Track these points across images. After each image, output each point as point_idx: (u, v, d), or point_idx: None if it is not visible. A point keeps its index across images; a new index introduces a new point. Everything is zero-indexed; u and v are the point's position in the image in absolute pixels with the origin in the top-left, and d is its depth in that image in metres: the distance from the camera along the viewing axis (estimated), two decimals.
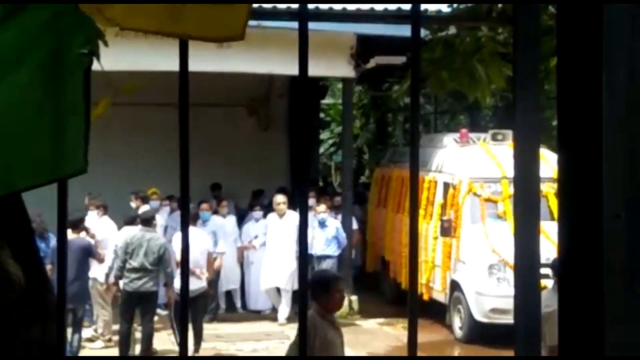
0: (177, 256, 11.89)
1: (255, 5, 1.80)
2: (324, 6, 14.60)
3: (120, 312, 11.82)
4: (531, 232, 2.01)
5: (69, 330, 11.58)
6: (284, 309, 14.26)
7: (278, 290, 14.44)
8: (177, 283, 11.77)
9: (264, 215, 15.04)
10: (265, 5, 13.29)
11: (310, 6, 14.01)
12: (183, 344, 2.00)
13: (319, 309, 6.09)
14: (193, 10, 1.77)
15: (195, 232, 11.93)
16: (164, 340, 12.66)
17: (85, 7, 1.76)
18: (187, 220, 2.06)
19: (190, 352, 11.75)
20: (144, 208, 13.72)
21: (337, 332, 6.22)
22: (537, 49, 1.92)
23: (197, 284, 11.58)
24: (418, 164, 1.96)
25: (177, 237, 12.26)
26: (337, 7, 14.85)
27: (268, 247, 14.37)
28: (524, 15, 1.84)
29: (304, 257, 1.95)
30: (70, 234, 11.05)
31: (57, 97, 1.77)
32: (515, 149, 1.97)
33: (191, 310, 11.89)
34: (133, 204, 14.39)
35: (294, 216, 14.19)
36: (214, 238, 13.97)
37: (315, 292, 6.10)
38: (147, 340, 11.75)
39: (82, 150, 1.79)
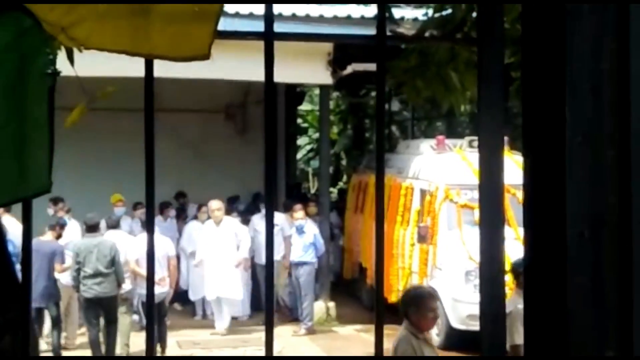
0: (131, 263, 12.08)
1: (220, 24, 1.80)
2: (301, 12, 14.65)
3: (85, 319, 11.95)
4: (495, 239, 2.03)
5: (48, 328, 11.96)
6: (226, 317, 14.14)
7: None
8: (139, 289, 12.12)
9: (242, 221, 15.03)
10: (241, 10, 13.31)
11: (287, 11, 14.03)
12: (149, 348, 2.00)
13: (412, 328, 5.75)
14: (158, 30, 1.77)
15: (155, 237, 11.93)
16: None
17: (48, 27, 1.75)
18: (153, 225, 2.07)
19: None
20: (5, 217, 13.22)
21: (433, 350, 5.93)
22: (500, 63, 1.94)
23: (159, 289, 11.75)
24: (384, 173, 1.98)
25: (133, 243, 12.36)
26: (314, 13, 14.91)
27: (207, 256, 14.11)
28: (488, 30, 1.85)
29: (270, 263, 1.96)
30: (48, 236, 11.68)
31: (20, 117, 1.77)
32: (480, 157, 2.00)
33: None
34: (50, 211, 13.85)
35: (231, 223, 14.17)
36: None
37: (407, 310, 5.77)
38: (113, 344, 11.87)
39: (46, 170, 1.79)
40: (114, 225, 12.45)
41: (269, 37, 1.73)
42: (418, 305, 5.82)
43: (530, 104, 1.82)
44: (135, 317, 12.86)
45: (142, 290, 12.05)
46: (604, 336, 1.70)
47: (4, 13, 1.76)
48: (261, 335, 13.48)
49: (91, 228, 11.98)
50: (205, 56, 1.78)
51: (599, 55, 1.68)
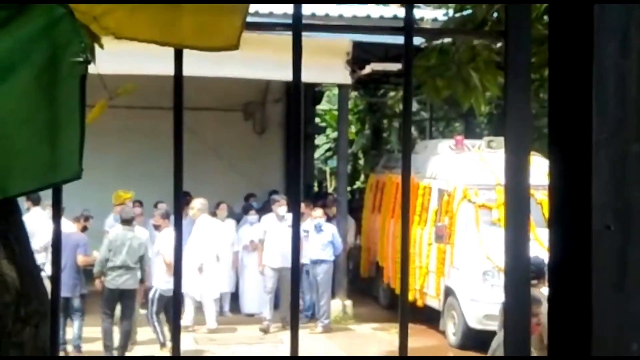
0: (166, 256, 12.06)
1: (250, 15, 1.81)
2: (320, 11, 14.67)
3: (102, 308, 12.12)
4: (521, 239, 2.03)
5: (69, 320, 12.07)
6: (209, 314, 14.07)
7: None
8: (157, 282, 12.28)
9: (259, 219, 15.04)
10: (262, 12, 13.36)
11: (306, 12, 14.09)
12: (176, 345, 2.02)
13: None
14: (188, 20, 1.79)
15: (171, 233, 12.13)
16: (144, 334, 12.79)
17: (80, 16, 1.77)
18: (180, 221, 2.09)
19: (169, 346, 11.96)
20: (35, 210, 12.95)
21: (542, 352, 5.72)
22: (528, 59, 1.94)
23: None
24: (410, 171, 1.98)
25: (161, 237, 12.61)
26: (334, 13, 14.93)
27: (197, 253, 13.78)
28: (516, 25, 1.86)
29: (297, 261, 1.96)
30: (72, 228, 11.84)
31: (52, 104, 1.79)
32: (506, 157, 1.99)
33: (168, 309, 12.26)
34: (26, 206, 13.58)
35: (206, 221, 14.02)
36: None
37: None
38: (126, 336, 12.07)
39: (76, 156, 1.80)
40: (129, 218, 12.45)
41: (297, 28, 1.74)
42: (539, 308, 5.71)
43: (557, 100, 1.82)
44: (142, 311, 12.91)
45: (159, 284, 12.17)
46: (629, 330, 1.70)
47: (37, 2, 1.78)
48: (277, 333, 13.59)
49: (126, 222, 12.20)
50: (235, 47, 1.80)
51: (625, 52, 1.69)
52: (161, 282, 12.22)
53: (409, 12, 2.03)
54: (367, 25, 13.34)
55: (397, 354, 2.06)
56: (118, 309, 12.13)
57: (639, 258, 1.71)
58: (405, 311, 2.08)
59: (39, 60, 1.78)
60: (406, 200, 2.08)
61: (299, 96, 1.95)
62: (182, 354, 2.03)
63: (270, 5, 13.53)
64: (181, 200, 2.07)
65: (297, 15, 1.82)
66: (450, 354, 13.39)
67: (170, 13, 1.80)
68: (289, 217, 14.23)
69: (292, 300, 2.11)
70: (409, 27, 1.83)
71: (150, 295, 12.33)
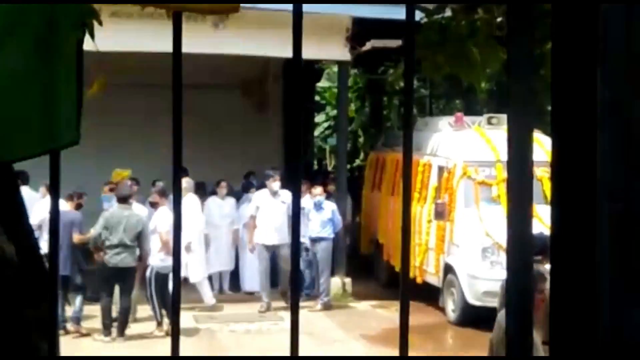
0: (163, 234, 12.16)
1: None
2: None
3: (100, 286, 12.21)
4: (524, 215, 2.01)
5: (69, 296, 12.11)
6: (206, 293, 14.12)
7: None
8: (153, 260, 12.25)
9: None
10: None
11: None
12: (175, 330, 2.00)
13: None
14: None
15: (168, 211, 12.14)
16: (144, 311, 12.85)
17: None
18: (180, 200, 2.05)
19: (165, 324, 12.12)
20: (24, 189, 13.06)
21: (539, 332, 5.51)
22: (531, 32, 1.92)
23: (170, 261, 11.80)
24: (412, 148, 1.96)
25: (159, 215, 12.57)
26: None
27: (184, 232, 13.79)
28: None
29: (297, 242, 1.94)
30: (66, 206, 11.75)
31: (50, 67, 1.76)
32: (509, 133, 1.97)
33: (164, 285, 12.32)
34: (41, 195, 13.34)
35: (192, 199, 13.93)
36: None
37: None
38: (125, 313, 12.17)
39: (74, 121, 1.79)
40: (125, 196, 12.42)
41: None
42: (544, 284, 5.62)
43: (560, 72, 1.80)
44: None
45: (155, 262, 12.20)
46: (633, 304, 1.69)
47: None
48: (277, 311, 13.58)
49: (122, 199, 12.21)
50: (235, 9, 1.77)
51: (631, 20, 1.66)
52: (157, 260, 12.25)
53: None
54: None
55: (397, 331, 2.04)
56: (117, 288, 12.18)
57: None
58: (406, 293, 2.06)
59: (37, 23, 1.75)
60: (407, 182, 2.05)
61: (300, 70, 1.92)
62: (181, 332, 2.01)
63: None
64: (180, 179, 2.04)
65: None
66: (450, 331, 13.42)
67: None
68: (283, 193, 14.22)
69: (293, 279, 2.09)
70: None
71: (148, 273, 12.34)
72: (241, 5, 1.90)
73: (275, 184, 14.30)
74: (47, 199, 12.68)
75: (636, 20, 1.66)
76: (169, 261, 11.53)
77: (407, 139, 2.01)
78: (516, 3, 1.88)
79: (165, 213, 12.27)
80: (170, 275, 12.01)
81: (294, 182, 2.03)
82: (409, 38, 1.98)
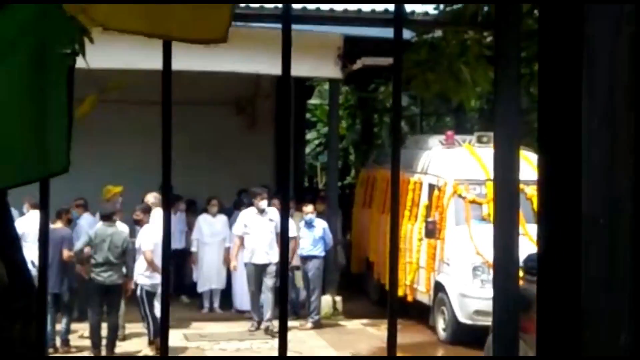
0: (147, 254, 12.09)
1: (239, 8, 1.80)
2: (311, 6, 14.64)
3: (88, 303, 12.17)
4: (510, 233, 2.03)
5: (50, 316, 11.90)
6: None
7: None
8: (141, 279, 12.16)
9: None
10: (251, 5, 13.33)
11: (297, 6, 14.08)
12: (164, 340, 2.01)
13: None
14: (176, 12, 1.78)
15: (150, 228, 12.21)
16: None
17: (69, 7, 1.76)
18: (169, 218, 2.06)
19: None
20: (34, 212, 12.86)
21: (532, 351, 5.76)
22: (518, 52, 1.94)
23: (158, 279, 11.86)
24: (399, 166, 1.98)
25: (141, 233, 12.47)
26: (324, 7, 14.90)
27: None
28: (506, 20, 1.86)
29: (285, 259, 1.95)
30: (54, 224, 11.73)
31: (40, 96, 1.78)
32: (495, 151, 1.99)
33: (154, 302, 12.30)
34: (25, 210, 13.45)
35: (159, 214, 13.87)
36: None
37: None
38: (114, 331, 12.13)
39: (64, 150, 1.80)
40: (109, 213, 12.42)
41: (287, 19, 1.73)
42: (526, 308, 5.67)
43: (547, 91, 1.81)
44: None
45: (143, 280, 12.15)
46: (618, 322, 1.70)
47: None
48: (269, 328, 13.51)
49: (106, 217, 12.21)
50: (223, 39, 1.79)
51: (616, 40, 1.68)
52: (144, 278, 12.17)
53: (399, 4, 2.03)
54: (358, 17, 13.31)
55: (386, 351, 2.05)
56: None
57: (628, 251, 1.71)
58: (394, 311, 2.07)
59: (27, 51, 1.77)
60: (396, 200, 2.07)
61: (289, 89, 1.94)
62: (170, 351, 2.02)
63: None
64: (170, 197, 2.05)
65: (287, 6, 1.81)
66: (440, 350, 13.41)
67: (158, 5, 1.79)
68: (270, 210, 14.14)
69: (281, 298, 2.10)
70: (398, 18, 1.83)
71: (138, 292, 12.29)
72: (232, 22, 1.91)
73: (262, 202, 14.03)
74: (30, 214, 12.79)
75: (621, 41, 1.68)
76: (155, 279, 11.78)
77: (396, 157, 2.03)
78: (503, 20, 1.91)
79: (148, 231, 12.26)
80: (158, 292, 12.10)
81: (283, 200, 2.03)
82: (397, 57, 2.00)
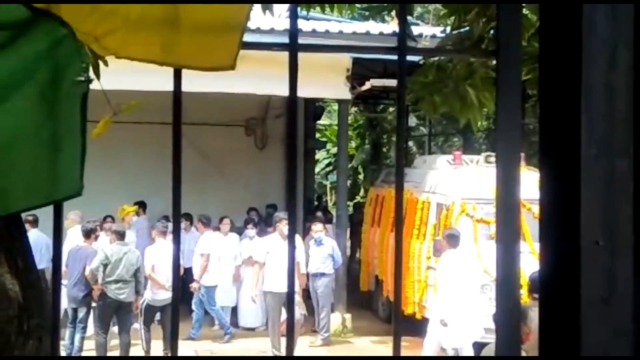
0: (147, 269, 12.41)
1: (248, 34, 1.87)
2: (320, 28, 14.74)
3: (97, 322, 12.20)
4: (511, 253, 2.06)
5: (70, 330, 12.22)
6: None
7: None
8: (146, 293, 12.48)
9: (258, 234, 14.99)
10: (262, 26, 13.42)
11: (307, 27, 14.14)
12: (174, 347, 2.06)
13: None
14: (186, 41, 1.84)
15: (167, 246, 12.35)
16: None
17: (82, 37, 1.82)
18: (179, 235, 2.12)
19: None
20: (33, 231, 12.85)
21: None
22: (518, 77, 1.99)
23: (167, 294, 12.10)
24: (403, 185, 2.03)
25: (149, 251, 12.74)
26: (334, 29, 15.00)
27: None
28: (506, 45, 1.90)
29: (291, 274, 2.00)
30: (83, 242, 12.26)
31: (54, 122, 1.84)
32: (497, 171, 2.03)
33: (162, 316, 12.85)
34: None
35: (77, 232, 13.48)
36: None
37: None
38: (126, 348, 12.19)
39: (78, 174, 1.85)
40: (122, 232, 12.63)
41: (293, 48, 1.79)
42: (524, 319, 5.69)
43: (547, 116, 1.86)
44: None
45: (147, 294, 12.36)
46: (616, 343, 1.73)
47: (40, 23, 1.83)
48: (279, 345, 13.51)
49: (121, 236, 12.35)
50: (231, 67, 1.85)
51: (613, 67, 1.72)
52: (149, 292, 12.46)
53: (403, 32, 2.08)
54: (362, 45, 13.38)
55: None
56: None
57: (626, 273, 1.74)
58: (398, 327, 2.12)
59: (42, 79, 1.83)
60: (399, 216, 2.12)
61: (295, 115, 1.99)
62: None
63: (271, 21, 13.59)
64: (180, 217, 2.10)
65: (294, 34, 1.87)
66: None
67: (168, 34, 1.86)
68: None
69: (288, 312, 2.15)
70: (402, 46, 1.89)
71: (140, 304, 12.43)
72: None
73: (286, 227, 12.38)
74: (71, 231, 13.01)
75: (618, 59, 1.73)
76: (159, 294, 12.17)
77: (399, 177, 2.08)
78: (505, 43, 1.96)
79: (155, 250, 12.62)
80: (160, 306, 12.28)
81: (290, 220, 2.09)
82: (400, 82, 2.06)
